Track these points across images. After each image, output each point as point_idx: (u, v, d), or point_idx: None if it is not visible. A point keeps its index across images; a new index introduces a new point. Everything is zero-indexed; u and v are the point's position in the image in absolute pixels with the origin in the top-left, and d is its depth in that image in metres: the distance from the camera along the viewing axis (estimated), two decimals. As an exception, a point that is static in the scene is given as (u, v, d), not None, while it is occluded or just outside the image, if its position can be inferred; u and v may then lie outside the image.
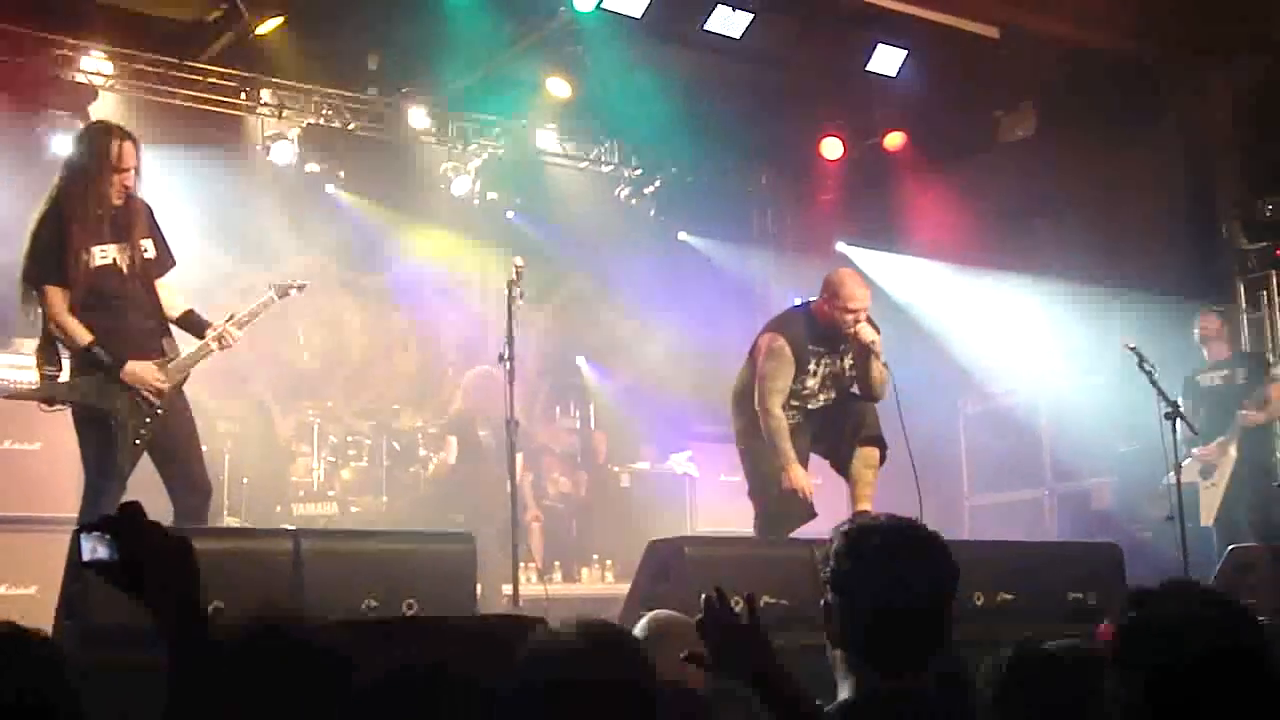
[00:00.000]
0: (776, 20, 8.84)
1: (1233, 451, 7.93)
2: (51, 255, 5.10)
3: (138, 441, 5.18)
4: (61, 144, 8.89)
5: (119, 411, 5.12)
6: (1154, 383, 7.77)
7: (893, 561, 2.34)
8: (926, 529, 2.44)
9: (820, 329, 6.14)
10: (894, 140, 10.68)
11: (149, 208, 5.40)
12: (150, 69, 9.20)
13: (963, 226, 10.22)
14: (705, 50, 9.12)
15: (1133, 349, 7.85)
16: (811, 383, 6.20)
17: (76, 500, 5.40)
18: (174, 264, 5.46)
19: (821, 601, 2.42)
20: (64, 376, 5.22)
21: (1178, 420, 7.57)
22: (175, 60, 9.23)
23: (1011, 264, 9.99)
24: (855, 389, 6.23)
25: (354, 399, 9.81)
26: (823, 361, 6.17)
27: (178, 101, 9.32)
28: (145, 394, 5.16)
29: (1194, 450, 7.83)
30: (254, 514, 8.64)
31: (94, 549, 2.06)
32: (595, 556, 9.48)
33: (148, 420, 5.19)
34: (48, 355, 5.18)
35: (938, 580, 2.36)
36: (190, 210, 9.06)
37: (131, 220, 5.27)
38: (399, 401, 10.01)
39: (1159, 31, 8.77)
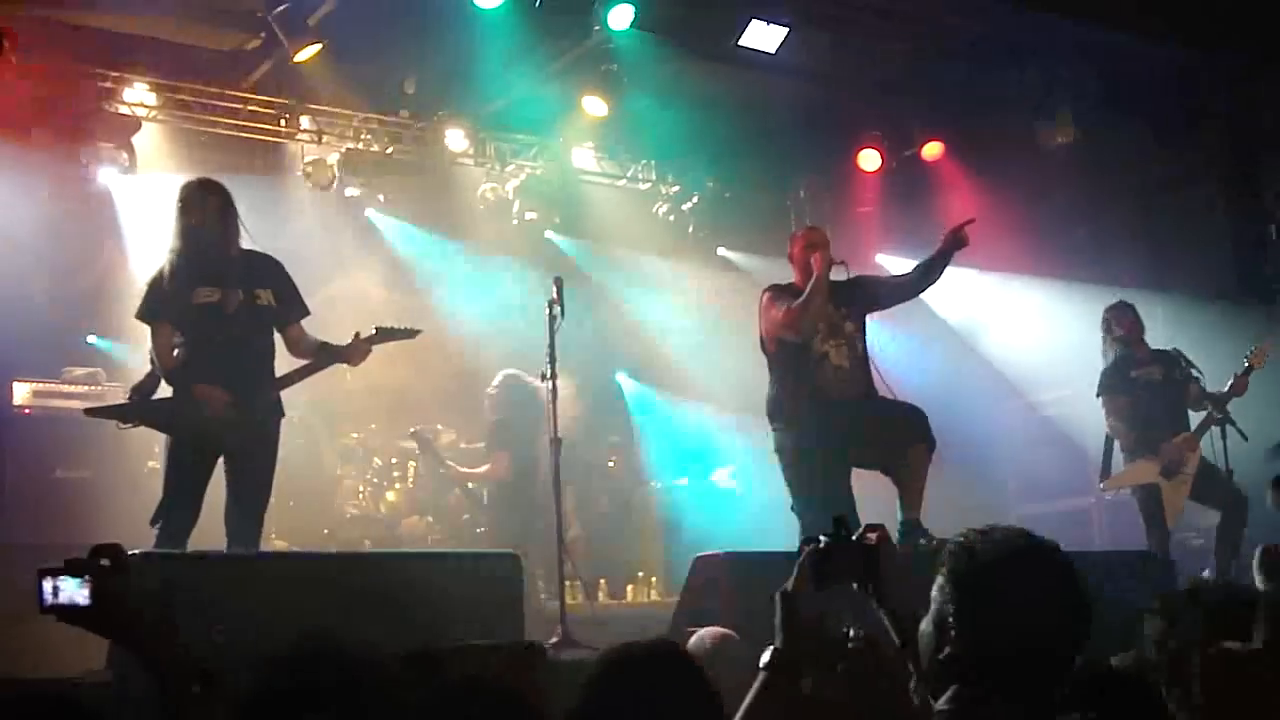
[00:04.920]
0: (810, 34, 8.85)
1: (1200, 449, 7.53)
2: (153, 295, 5.70)
3: (219, 458, 5.63)
4: (107, 175, 9.05)
5: (187, 433, 5.57)
6: (1200, 387, 7.70)
7: (1035, 594, 2.09)
8: (1061, 552, 2.18)
9: (797, 289, 6.38)
10: (932, 150, 10.62)
11: (277, 263, 5.91)
12: (192, 99, 9.32)
13: (1003, 235, 10.15)
14: (740, 65, 9.13)
15: (1177, 354, 7.78)
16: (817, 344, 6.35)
17: (126, 528, 5.50)
18: (303, 314, 5.96)
19: (931, 622, 2.18)
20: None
21: (1227, 425, 7.50)
22: (216, 90, 9.35)
23: (1054, 271, 9.92)
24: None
25: (397, 421, 9.85)
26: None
27: (219, 130, 9.44)
28: (217, 418, 5.56)
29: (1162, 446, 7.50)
30: (301, 538, 8.70)
31: (56, 591, 1.96)
32: (640, 573, 9.47)
33: (218, 445, 5.60)
34: (143, 383, 5.73)
35: (1080, 615, 2.13)
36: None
37: (251, 270, 5.80)
38: (441, 422, 10.05)
39: (1199, 33, 8.69)
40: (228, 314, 5.68)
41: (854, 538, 2.44)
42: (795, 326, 6.27)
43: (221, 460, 5.68)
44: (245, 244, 5.81)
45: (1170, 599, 2.44)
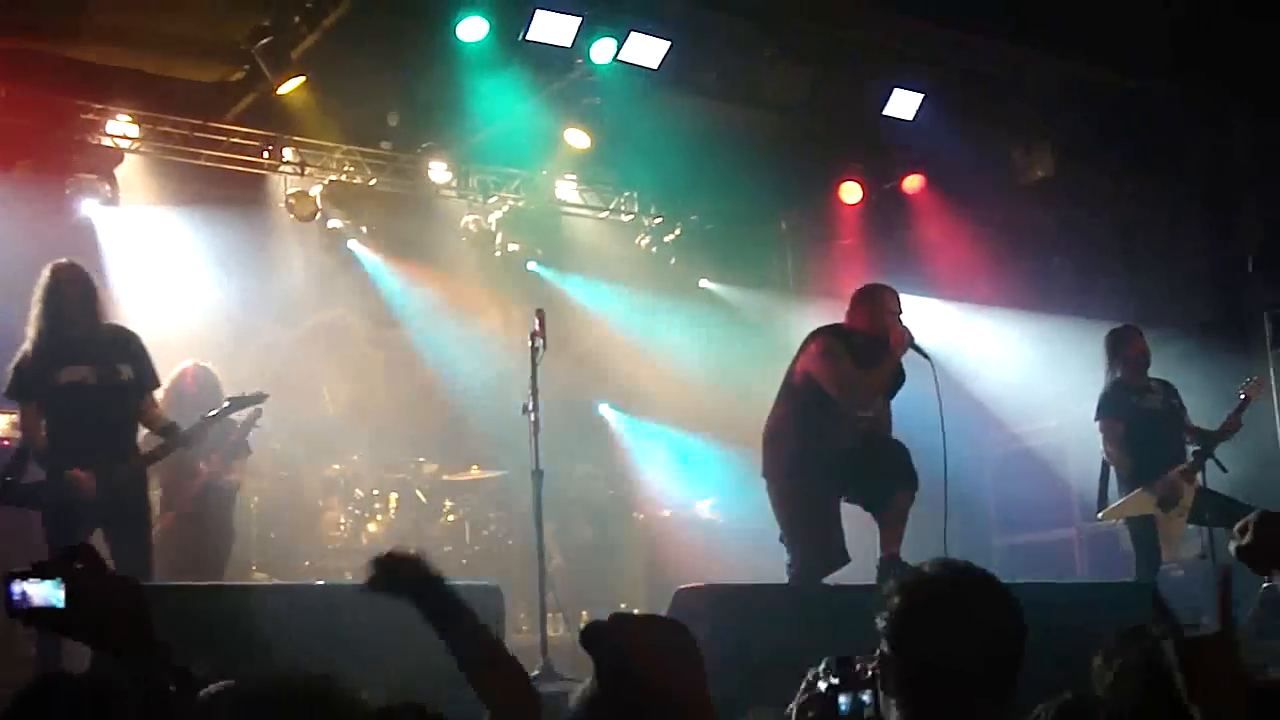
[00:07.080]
0: (792, 66, 8.92)
1: (1196, 481, 7.38)
2: (20, 376, 6.07)
3: (92, 526, 5.86)
4: (90, 207, 9.02)
5: (61, 511, 5.87)
6: (1184, 420, 7.72)
7: (953, 614, 2.16)
8: (992, 579, 2.25)
9: (857, 340, 6.27)
10: (912, 183, 10.70)
11: (135, 338, 6.27)
12: (175, 131, 9.32)
13: (983, 267, 10.21)
14: (722, 99, 9.18)
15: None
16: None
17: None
18: (156, 386, 6.35)
19: (876, 651, 2.25)
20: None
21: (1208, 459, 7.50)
22: (199, 121, 9.36)
23: (1033, 303, 9.98)
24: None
25: (379, 452, 9.82)
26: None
27: (202, 162, 9.45)
28: (86, 490, 5.91)
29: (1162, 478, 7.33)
30: (282, 569, 8.65)
31: (26, 596, 1.90)
32: (623, 605, 9.44)
33: (92, 517, 5.88)
34: (12, 463, 6.04)
35: (1000, 634, 2.18)
36: (214, 268, 9.16)
37: (112, 346, 6.16)
38: (423, 454, 10.03)
39: (1177, 69, 8.79)
40: (90, 391, 6.04)
41: (857, 667, 2.30)
42: (851, 395, 6.20)
43: (99, 530, 5.96)
44: (105, 318, 6.25)
45: (1120, 635, 2.45)
